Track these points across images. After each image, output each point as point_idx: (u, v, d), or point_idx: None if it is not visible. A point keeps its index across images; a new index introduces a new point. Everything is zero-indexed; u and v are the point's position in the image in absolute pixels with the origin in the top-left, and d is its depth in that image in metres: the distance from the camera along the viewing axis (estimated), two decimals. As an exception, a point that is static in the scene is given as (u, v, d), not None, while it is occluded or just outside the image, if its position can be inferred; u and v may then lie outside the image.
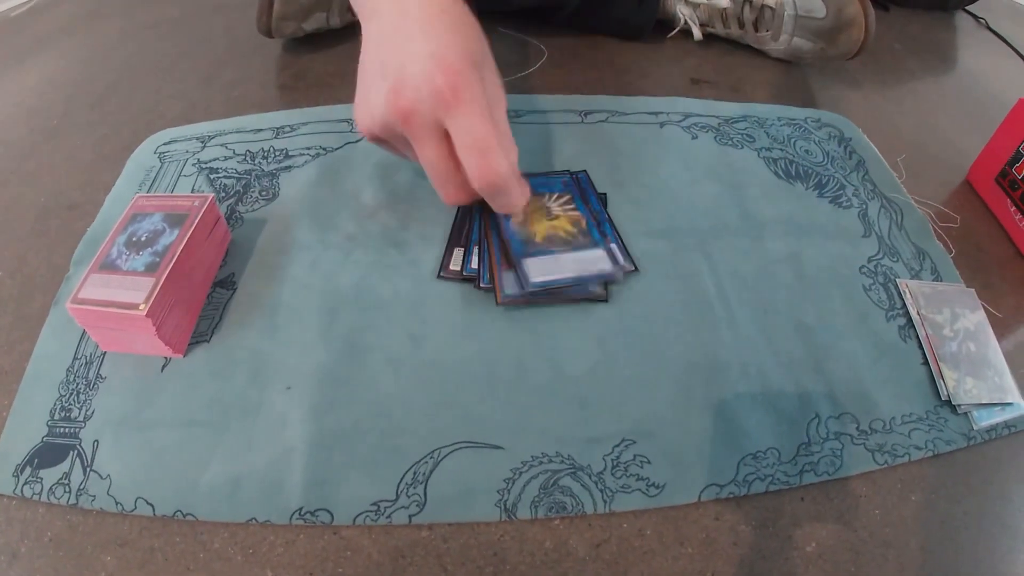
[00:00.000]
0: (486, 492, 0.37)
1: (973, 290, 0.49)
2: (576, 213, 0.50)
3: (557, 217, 0.49)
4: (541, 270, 0.46)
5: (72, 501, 0.37)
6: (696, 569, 0.36)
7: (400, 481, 0.38)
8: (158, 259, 0.42)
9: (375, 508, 0.37)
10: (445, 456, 0.39)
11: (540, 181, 0.52)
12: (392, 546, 0.36)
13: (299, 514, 0.37)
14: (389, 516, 0.36)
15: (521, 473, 0.38)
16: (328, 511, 0.37)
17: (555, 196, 0.51)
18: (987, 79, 0.75)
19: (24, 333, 0.45)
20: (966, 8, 0.86)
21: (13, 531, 0.37)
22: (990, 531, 0.38)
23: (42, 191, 0.56)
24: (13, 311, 0.47)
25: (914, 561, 0.37)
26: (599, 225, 0.49)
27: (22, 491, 0.38)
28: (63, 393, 0.42)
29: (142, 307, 0.39)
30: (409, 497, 0.37)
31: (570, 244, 0.48)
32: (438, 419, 0.40)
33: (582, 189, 0.52)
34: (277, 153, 0.57)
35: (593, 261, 0.47)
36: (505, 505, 0.37)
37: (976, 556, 0.38)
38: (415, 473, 0.38)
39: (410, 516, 0.37)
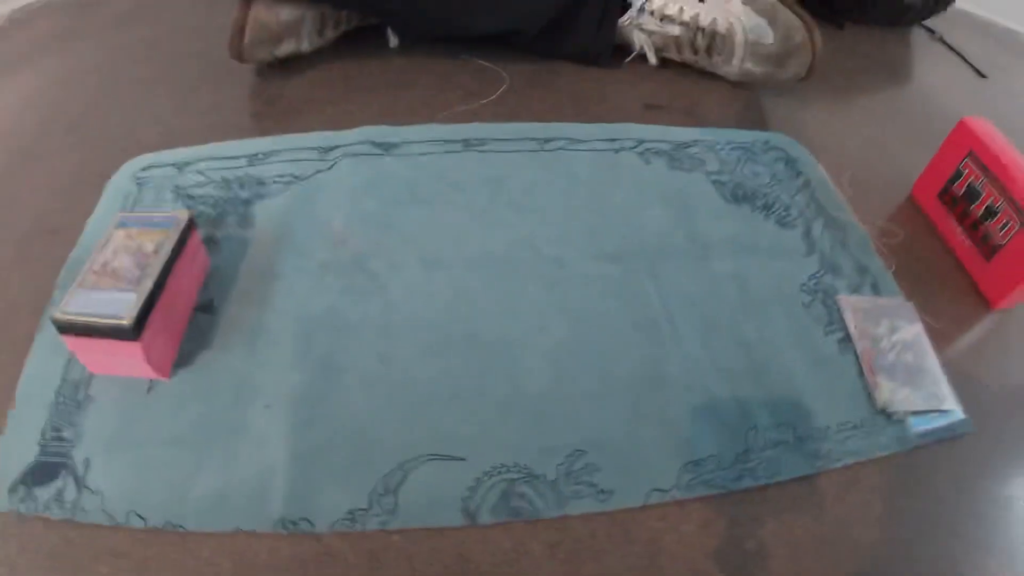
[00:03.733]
0: (451, 500, 0.41)
1: (911, 303, 0.53)
2: None
3: None
4: None
5: (67, 516, 0.40)
6: (643, 566, 0.40)
7: (372, 491, 0.41)
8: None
9: (351, 516, 0.40)
10: (413, 468, 0.42)
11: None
12: (367, 550, 0.40)
13: (282, 523, 0.40)
14: (364, 523, 0.40)
15: (482, 482, 0.42)
16: (308, 520, 0.40)
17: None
18: (936, 94, 0.79)
19: (10, 357, 0.47)
20: (922, 22, 0.89)
21: (10, 545, 0.39)
22: (924, 528, 0.42)
23: (23, 216, 0.57)
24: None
25: (848, 556, 0.41)
26: None
27: (18, 507, 0.40)
28: (53, 414, 0.44)
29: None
30: (381, 506, 0.41)
31: None
32: (407, 433, 0.44)
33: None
34: (252, 180, 0.59)
35: None
36: (468, 511, 0.41)
37: (910, 549, 0.41)
38: (386, 484, 0.42)
39: (382, 523, 0.40)
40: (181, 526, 0.40)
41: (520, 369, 0.47)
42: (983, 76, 0.82)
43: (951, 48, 0.86)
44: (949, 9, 0.87)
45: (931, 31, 0.89)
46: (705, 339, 0.50)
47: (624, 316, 0.51)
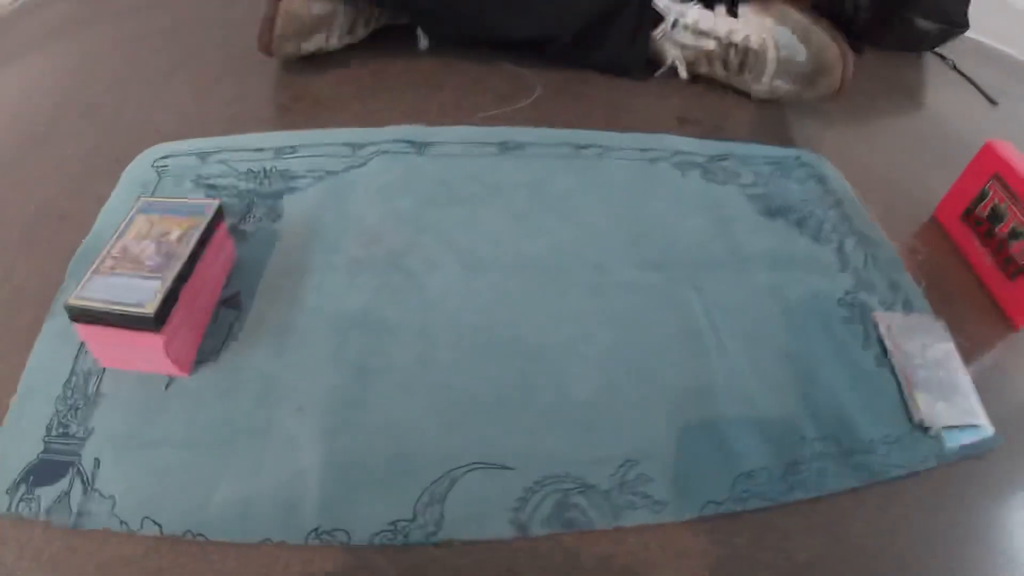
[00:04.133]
0: (500, 511, 0.39)
1: (942, 322, 0.53)
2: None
3: None
4: None
5: (73, 522, 0.37)
6: (697, 580, 0.38)
7: (417, 501, 0.39)
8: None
9: (392, 527, 0.38)
10: (459, 477, 0.40)
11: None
12: (409, 564, 0.37)
13: (315, 534, 0.37)
14: (407, 535, 0.37)
15: (533, 492, 0.40)
16: (345, 531, 0.37)
17: None
18: (953, 119, 0.80)
19: (14, 345, 0.44)
20: (935, 50, 0.92)
21: (8, 551, 0.36)
22: (962, 541, 0.42)
23: (31, 200, 0.55)
24: (3, 322, 0.46)
25: (894, 567, 0.40)
26: None
27: (17, 509, 0.37)
28: (60, 408, 0.41)
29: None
30: (426, 516, 0.38)
31: None
32: (450, 441, 0.42)
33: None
34: (280, 174, 0.57)
35: None
36: (519, 523, 0.39)
37: (949, 562, 0.41)
38: (431, 494, 0.39)
39: (427, 535, 0.38)
40: (202, 535, 0.37)
41: (566, 376, 0.46)
42: (994, 103, 0.84)
43: (963, 75, 0.88)
44: (961, 37, 0.90)
45: (944, 58, 0.91)
46: (749, 351, 0.49)
47: (669, 325, 0.50)
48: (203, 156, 0.58)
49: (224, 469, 0.39)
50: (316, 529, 0.37)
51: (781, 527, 0.41)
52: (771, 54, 0.68)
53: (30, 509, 0.37)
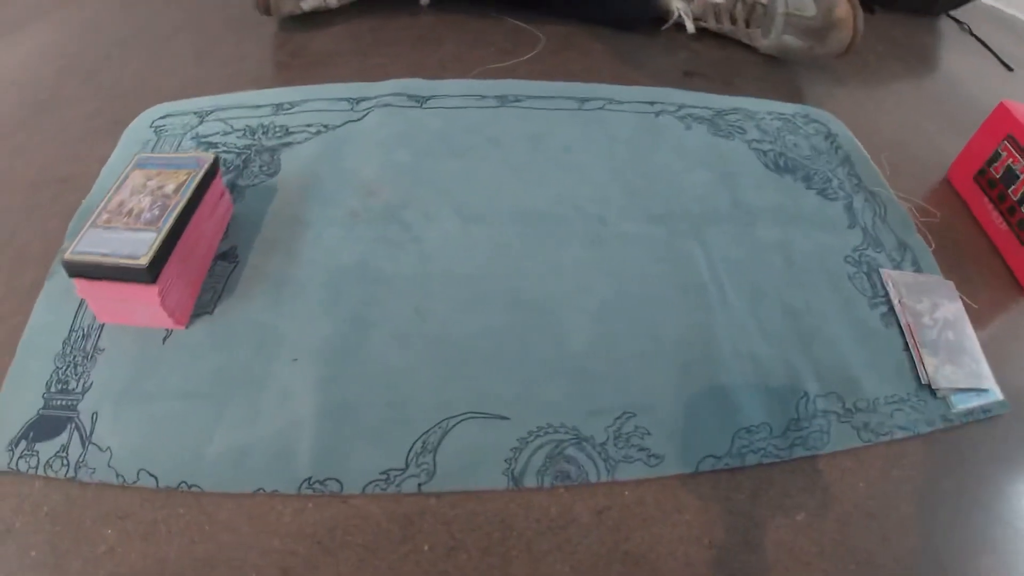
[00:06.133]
0: (494, 461, 0.38)
1: (952, 282, 0.52)
2: None
3: None
4: None
5: (71, 474, 0.37)
6: (694, 535, 0.38)
7: (410, 450, 0.38)
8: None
9: (385, 477, 0.37)
10: (453, 426, 0.40)
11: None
12: (401, 514, 0.37)
13: (308, 483, 0.37)
14: (399, 485, 0.37)
15: (527, 443, 0.39)
16: (337, 480, 0.37)
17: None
18: (967, 82, 0.78)
19: (16, 306, 0.44)
20: (949, 13, 0.89)
21: (6, 506, 0.36)
22: (966, 507, 0.41)
23: (33, 164, 0.55)
24: (5, 283, 0.46)
25: (895, 531, 0.39)
26: None
27: (17, 465, 0.37)
28: (59, 365, 0.41)
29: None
30: (419, 466, 0.38)
31: None
32: (445, 391, 0.41)
33: None
34: (277, 129, 0.56)
35: None
36: (512, 474, 0.38)
37: (952, 529, 0.40)
38: (424, 443, 0.39)
39: (419, 484, 0.37)
40: (196, 486, 0.37)
41: (564, 328, 0.45)
42: (1010, 69, 0.81)
43: (979, 40, 0.85)
44: (976, 2, 0.87)
45: (959, 22, 0.88)
46: (753, 306, 0.48)
47: (671, 279, 0.49)
48: (201, 115, 0.58)
49: (219, 420, 0.39)
50: (309, 479, 0.37)
51: (781, 484, 0.40)
52: (780, 9, 0.66)
53: (29, 465, 0.37)
